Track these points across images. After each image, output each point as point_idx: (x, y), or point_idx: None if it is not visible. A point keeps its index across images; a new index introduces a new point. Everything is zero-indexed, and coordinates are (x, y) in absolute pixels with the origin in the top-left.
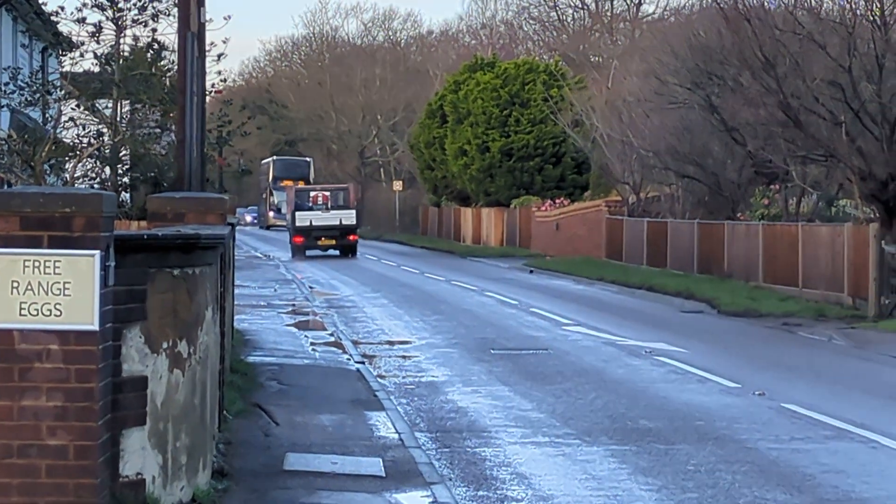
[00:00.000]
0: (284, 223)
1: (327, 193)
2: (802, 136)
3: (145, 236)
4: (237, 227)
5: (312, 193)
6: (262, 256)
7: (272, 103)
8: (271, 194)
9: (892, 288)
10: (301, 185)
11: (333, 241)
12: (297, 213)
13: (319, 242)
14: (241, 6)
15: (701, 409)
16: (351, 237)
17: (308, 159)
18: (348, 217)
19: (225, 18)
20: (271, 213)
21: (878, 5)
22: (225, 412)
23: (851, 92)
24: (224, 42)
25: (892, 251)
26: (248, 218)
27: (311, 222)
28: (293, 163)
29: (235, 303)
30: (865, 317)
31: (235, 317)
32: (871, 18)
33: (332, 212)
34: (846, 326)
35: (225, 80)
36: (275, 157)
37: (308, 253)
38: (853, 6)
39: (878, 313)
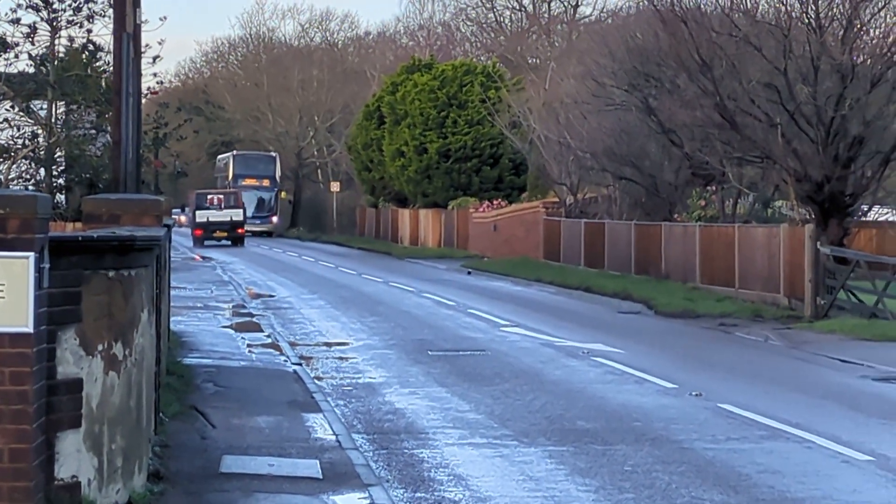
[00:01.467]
0: (248, 228)
1: (221, 196)
2: (739, 137)
3: (80, 238)
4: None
5: (209, 196)
6: (200, 258)
7: (208, 104)
8: None
9: (827, 288)
10: (266, 183)
11: (226, 234)
12: (198, 212)
13: (215, 234)
14: (177, 7)
15: (638, 409)
16: (239, 230)
17: (273, 154)
18: (237, 215)
19: (161, 19)
20: None
21: (814, 8)
22: (161, 414)
23: (787, 94)
24: (160, 43)
25: (827, 252)
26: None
27: (208, 219)
28: (256, 159)
29: (172, 304)
30: (801, 317)
31: (172, 318)
32: (807, 21)
33: (225, 210)
34: (782, 327)
35: (161, 83)
36: (235, 153)
37: (206, 243)
38: (789, 9)
39: (814, 314)
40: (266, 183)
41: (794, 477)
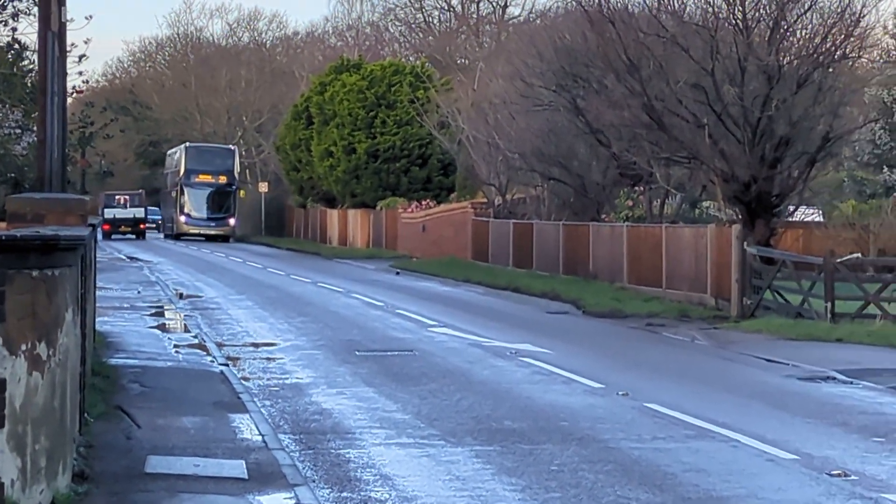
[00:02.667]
0: (200, 230)
1: (127, 197)
2: (666, 138)
3: (3, 237)
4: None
5: (117, 197)
6: (127, 259)
7: (136, 104)
8: (182, 193)
9: (754, 288)
10: (223, 179)
11: (130, 229)
12: (106, 210)
13: (120, 229)
14: (104, 7)
15: (565, 409)
16: (141, 225)
17: (232, 147)
18: (139, 212)
19: (87, 18)
20: (182, 218)
21: (740, 9)
22: (86, 415)
23: (714, 94)
24: (86, 42)
25: (754, 252)
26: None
27: (114, 216)
28: (212, 152)
29: (98, 305)
30: (728, 317)
31: (98, 319)
32: (734, 22)
33: (130, 209)
34: (709, 327)
35: (87, 81)
36: (188, 145)
37: (113, 237)
38: (715, 10)
39: (741, 313)
40: (223, 179)
41: (720, 476)
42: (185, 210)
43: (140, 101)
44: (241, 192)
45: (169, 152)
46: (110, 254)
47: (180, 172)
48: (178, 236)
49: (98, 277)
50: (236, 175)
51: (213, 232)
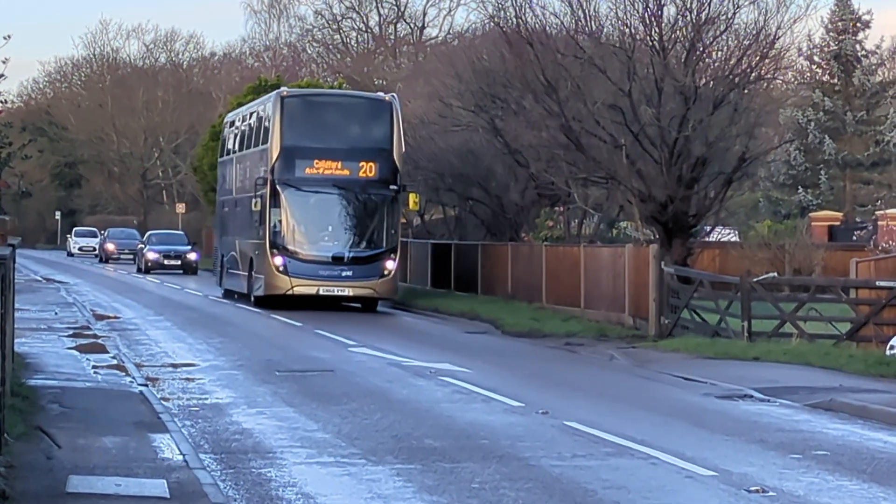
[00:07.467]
0: (319, 286)
1: None
2: (584, 158)
3: None
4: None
5: None
6: (43, 280)
7: (52, 125)
8: (274, 204)
9: (671, 308)
10: (369, 171)
11: None
12: None
13: None
14: (19, 26)
15: (485, 428)
16: None
17: (385, 97)
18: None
19: (5, 38)
20: (278, 261)
21: (657, 31)
22: (6, 435)
23: (631, 115)
24: (4, 62)
25: (671, 272)
26: (152, 256)
27: None
28: (343, 110)
29: (15, 326)
30: (646, 336)
31: (16, 340)
32: (650, 43)
33: None
34: (627, 346)
35: (5, 102)
36: (285, 93)
37: None
38: (633, 31)
39: (658, 333)
40: (369, 170)
41: (640, 492)
42: (284, 242)
43: (56, 122)
44: (413, 196)
45: (230, 116)
46: (27, 275)
47: (271, 158)
48: (264, 300)
49: (16, 298)
50: (397, 160)
51: (350, 290)
